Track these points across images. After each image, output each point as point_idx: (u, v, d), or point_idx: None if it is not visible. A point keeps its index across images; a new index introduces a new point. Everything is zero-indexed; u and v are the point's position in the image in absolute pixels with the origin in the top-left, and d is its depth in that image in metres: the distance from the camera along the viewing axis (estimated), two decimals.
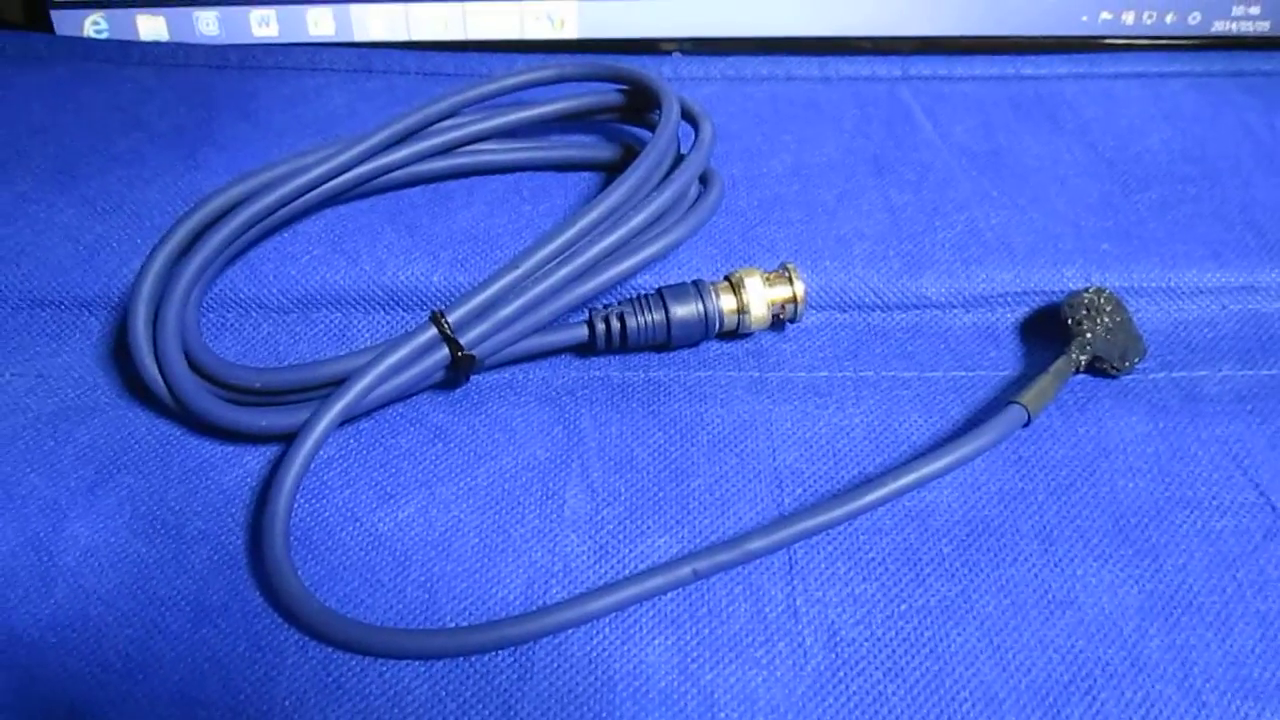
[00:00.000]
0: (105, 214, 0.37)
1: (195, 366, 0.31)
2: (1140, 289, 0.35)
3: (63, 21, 0.43)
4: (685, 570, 0.27)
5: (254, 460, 0.31)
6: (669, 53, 0.44)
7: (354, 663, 0.26)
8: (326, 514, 0.29)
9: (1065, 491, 0.30)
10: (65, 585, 0.28)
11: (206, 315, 0.34)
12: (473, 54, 0.43)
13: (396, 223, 0.36)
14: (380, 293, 0.35)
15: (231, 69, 0.43)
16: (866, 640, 0.27)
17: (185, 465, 0.30)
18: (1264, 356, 0.34)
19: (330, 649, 0.26)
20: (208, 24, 0.43)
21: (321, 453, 0.31)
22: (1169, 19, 0.44)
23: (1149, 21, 0.44)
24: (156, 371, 0.31)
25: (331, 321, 0.35)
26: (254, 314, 0.35)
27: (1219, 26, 0.44)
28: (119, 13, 0.43)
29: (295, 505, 0.29)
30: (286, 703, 0.26)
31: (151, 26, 0.43)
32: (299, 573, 0.27)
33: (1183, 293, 0.35)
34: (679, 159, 0.36)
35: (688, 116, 0.37)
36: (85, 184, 0.38)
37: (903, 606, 0.27)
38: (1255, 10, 0.44)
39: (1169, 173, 0.39)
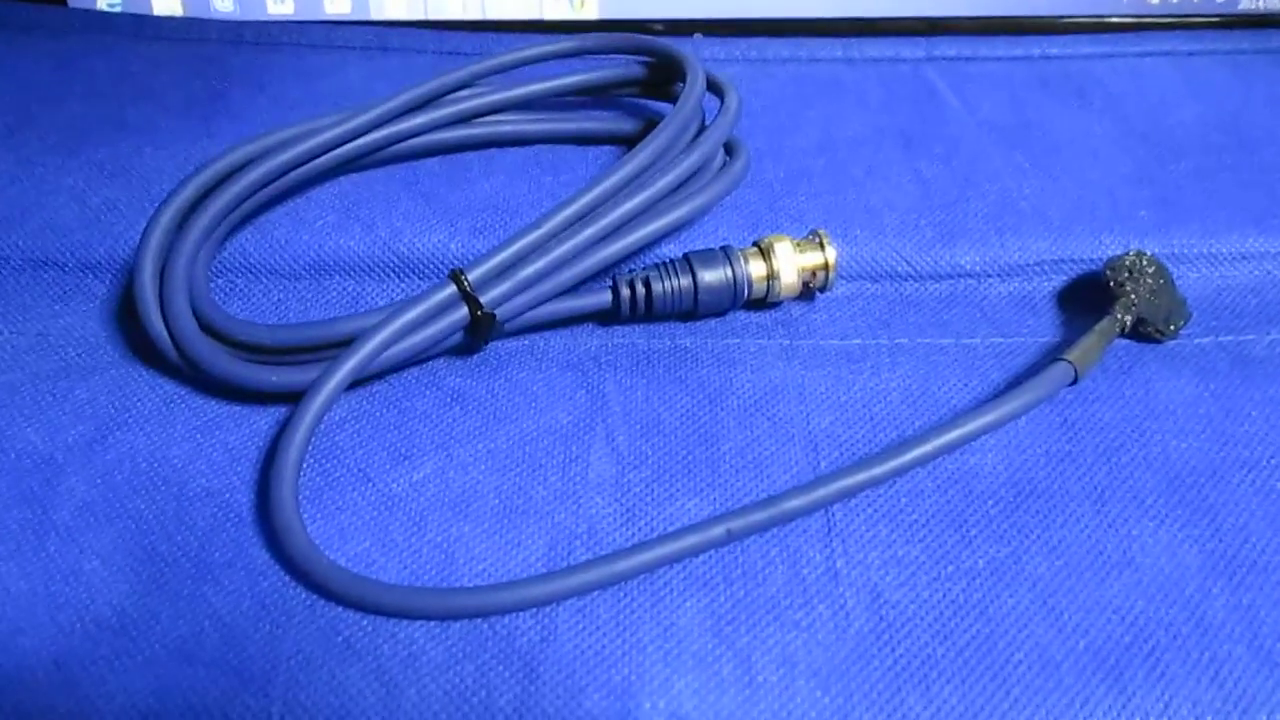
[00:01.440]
0: (113, 177, 0.36)
1: (203, 323, 0.30)
2: (1181, 255, 0.34)
3: None
4: (719, 530, 0.26)
5: (262, 420, 0.29)
6: (690, 35, 0.44)
7: (365, 623, 0.25)
8: (337, 474, 0.28)
9: (1115, 453, 0.28)
10: (58, 540, 0.26)
11: (215, 280, 0.33)
12: (491, 34, 0.43)
13: (413, 191, 0.35)
14: (395, 260, 0.34)
15: (247, 44, 0.42)
16: (912, 603, 0.25)
17: (190, 424, 0.29)
18: None
19: (340, 608, 0.25)
20: (223, 0, 0.42)
21: (333, 414, 0.29)
22: None
23: (1175, 0, 0.44)
24: (162, 326, 0.29)
25: (345, 289, 0.33)
26: (264, 280, 0.33)
27: (1246, 4, 0.44)
28: None
29: (305, 465, 0.28)
30: (292, 662, 0.24)
31: (166, 2, 0.43)
32: (309, 535, 0.26)
33: (1225, 259, 0.34)
34: (704, 128, 0.35)
35: (713, 87, 0.36)
36: (94, 149, 0.37)
37: (949, 568, 0.26)
38: None
39: (1204, 143, 0.38)
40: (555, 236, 0.31)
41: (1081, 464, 0.28)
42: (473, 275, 0.29)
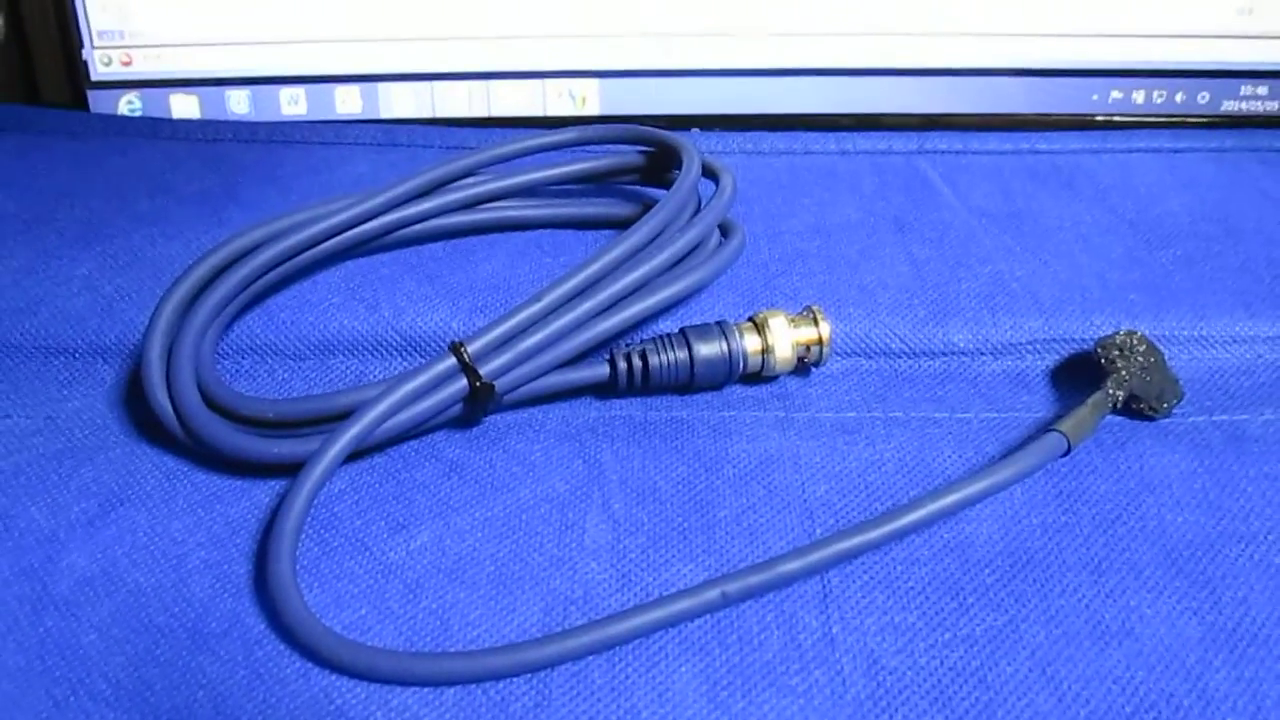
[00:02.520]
0: (125, 267, 0.37)
1: (207, 399, 0.30)
2: (1172, 337, 0.35)
3: (98, 101, 0.45)
4: (714, 593, 0.25)
5: (263, 493, 0.29)
6: (688, 129, 0.45)
7: (359, 690, 0.24)
8: (335, 543, 0.28)
9: (1111, 524, 0.28)
10: (56, 614, 0.26)
11: (222, 361, 0.34)
12: (495, 129, 0.44)
13: (417, 272, 0.36)
14: (398, 338, 0.34)
15: (260, 142, 0.44)
16: (909, 669, 0.25)
17: (191, 498, 0.29)
18: None
19: (334, 675, 0.25)
20: (239, 102, 0.44)
21: (332, 486, 0.30)
22: (1179, 98, 0.45)
23: (1159, 101, 0.45)
24: (167, 401, 0.30)
25: (348, 368, 0.34)
26: (269, 360, 0.34)
27: (1228, 106, 0.45)
28: (153, 92, 0.44)
29: (303, 535, 0.28)
30: None
31: (185, 105, 0.45)
32: (305, 600, 0.26)
33: (1216, 341, 0.35)
34: (700, 210, 0.36)
35: (708, 172, 0.37)
36: (108, 241, 0.38)
37: (946, 635, 0.26)
38: (1263, 90, 0.45)
39: (1191, 232, 0.39)
40: (554, 311, 0.31)
41: (1078, 535, 0.28)
42: (473, 347, 0.30)
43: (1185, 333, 0.35)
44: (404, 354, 0.34)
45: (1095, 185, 0.42)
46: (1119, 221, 0.40)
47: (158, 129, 0.45)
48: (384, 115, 0.45)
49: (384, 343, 0.34)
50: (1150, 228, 0.39)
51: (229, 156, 0.43)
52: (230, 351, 0.34)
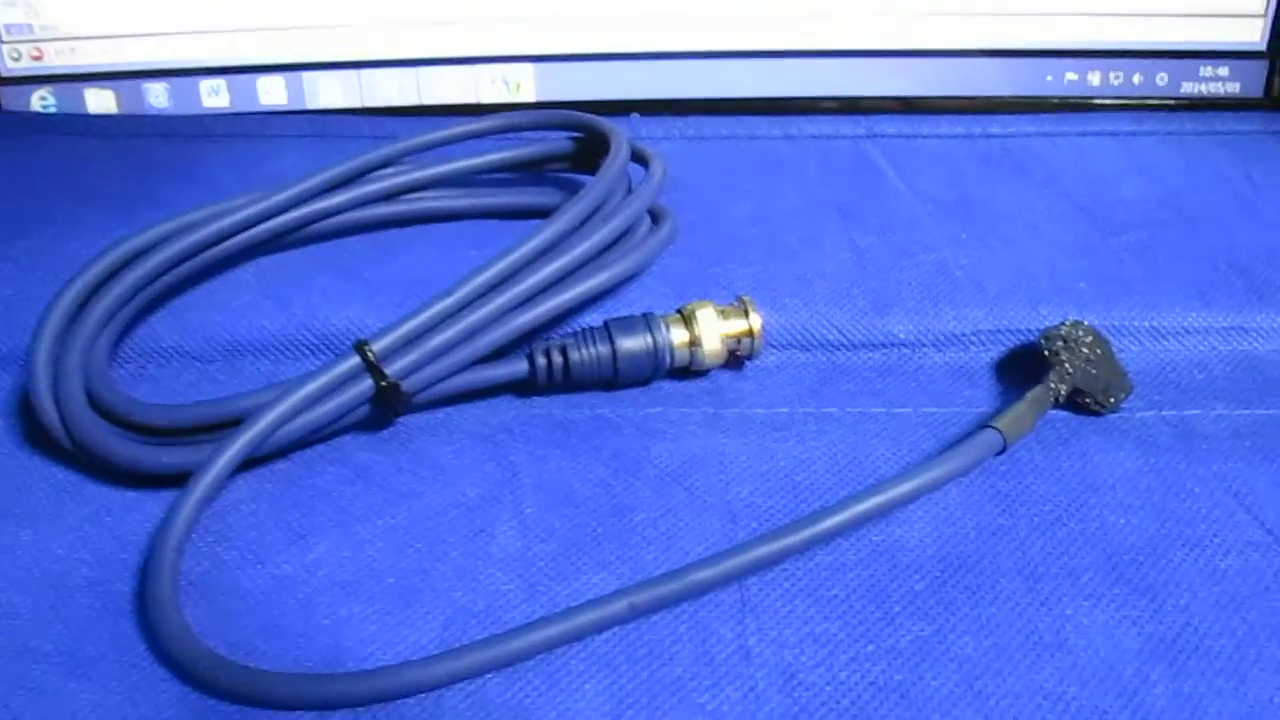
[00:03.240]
0: (29, 270, 0.35)
1: (100, 407, 0.28)
2: (1122, 328, 0.33)
3: (10, 97, 0.43)
4: (620, 605, 0.24)
5: (156, 506, 0.28)
6: (628, 114, 0.44)
7: (240, 715, 0.23)
8: (227, 557, 0.26)
9: (1050, 527, 0.27)
10: None
11: (126, 366, 0.32)
12: (428, 118, 0.42)
13: (332, 268, 0.35)
14: (312, 338, 0.33)
15: (179, 137, 0.42)
16: (828, 684, 0.23)
17: (79, 513, 0.28)
18: (1260, 397, 0.31)
19: (213, 700, 0.23)
20: (157, 96, 0.42)
21: (229, 495, 0.28)
22: (1136, 79, 0.44)
23: (1116, 83, 0.44)
24: (54, 408, 0.28)
25: (259, 369, 0.32)
26: (175, 363, 0.32)
27: (1188, 88, 0.44)
28: (67, 87, 0.43)
29: (193, 549, 0.26)
30: None
31: (101, 100, 0.43)
32: (189, 619, 0.24)
33: (1168, 333, 0.33)
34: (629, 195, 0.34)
35: (638, 156, 0.35)
36: (12, 243, 0.36)
37: (869, 648, 0.24)
38: (1224, 71, 0.43)
39: (1146, 218, 0.38)
40: (468, 305, 0.30)
41: (1014, 538, 0.27)
42: (378, 345, 0.28)
43: (1136, 323, 0.33)
44: (317, 354, 0.33)
45: (1048, 170, 0.40)
46: (1071, 208, 0.38)
47: (73, 125, 0.43)
48: (311, 106, 0.43)
49: (296, 342, 0.33)
50: (1103, 214, 0.38)
51: (147, 153, 0.41)
52: (135, 355, 0.32)
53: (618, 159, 0.34)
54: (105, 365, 0.30)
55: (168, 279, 0.32)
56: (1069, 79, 0.44)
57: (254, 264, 0.35)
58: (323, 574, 0.26)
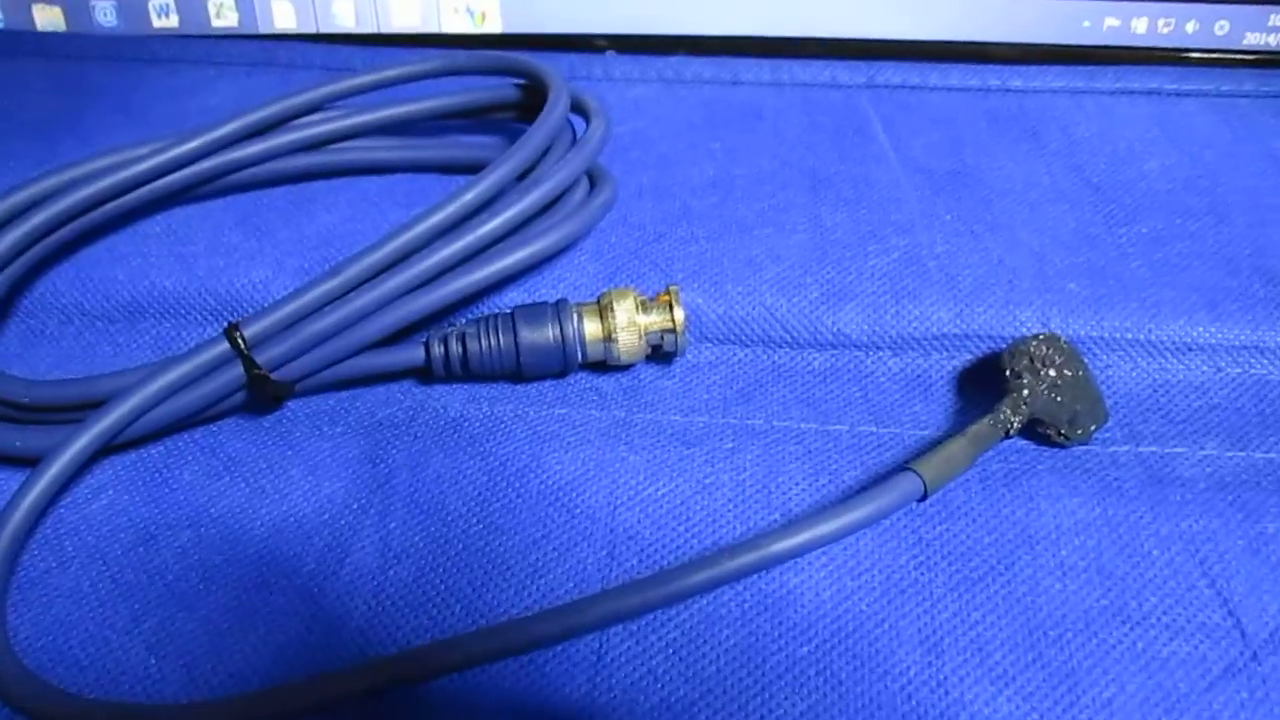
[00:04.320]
0: None
1: None
2: (1112, 340, 0.29)
3: None
4: (455, 656, 0.21)
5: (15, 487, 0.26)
6: (602, 51, 0.39)
7: None
8: (71, 553, 0.25)
9: (970, 588, 0.24)
10: None
11: (24, 321, 0.30)
12: (385, 48, 0.39)
13: (246, 224, 0.32)
14: (212, 301, 0.30)
15: (124, 60, 0.39)
16: None
17: None
18: (1260, 435, 0.27)
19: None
20: (105, 14, 0.40)
21: (92, 479, 0.26)
22: (1190, 28, 0.37)
23: (1165, 31, 0.38)
24: None
25: (160, 333, 0.30)
26: (76, 322, 0.30)
27: (1251, 39, 0.37)
28: (15, 1, 0.40)
29: (44, 540, 0.25)
30: None
31: (48, 16, 0.40)
32: (20, 620, 0.23)
33: (1166, 348, 0.29)
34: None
35: (579, 109, 0.31)
36: None
37: None
38: None
39: (1167, 204, 0.32)
40: (356, 286, 0.27)
41: (925, 598, 0.23)
42: (249, 331, 0.26)
43: (1129, 335, 0.29)
44: (218, 317, 0.30)
45: (1065, 136, 0.35)
46: (1082, 185, 0.33)
47: (19, 43, 0.40)
48: (264, 30, 0.40)
49: (197, 306, 0.30)
50: (1118, 196, 0.33)
51: (86, 78, 0.39)
52: (36, 309, 0.31)
53: (552, 113, 0.30)
54: None
55: (68, 230, 0.30)
56: (1109, 25, 0.38)
57: (166, 215, 0.33)
58: (163, 583, 0.24)
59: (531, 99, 0.33)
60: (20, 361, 0.29)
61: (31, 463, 0.25)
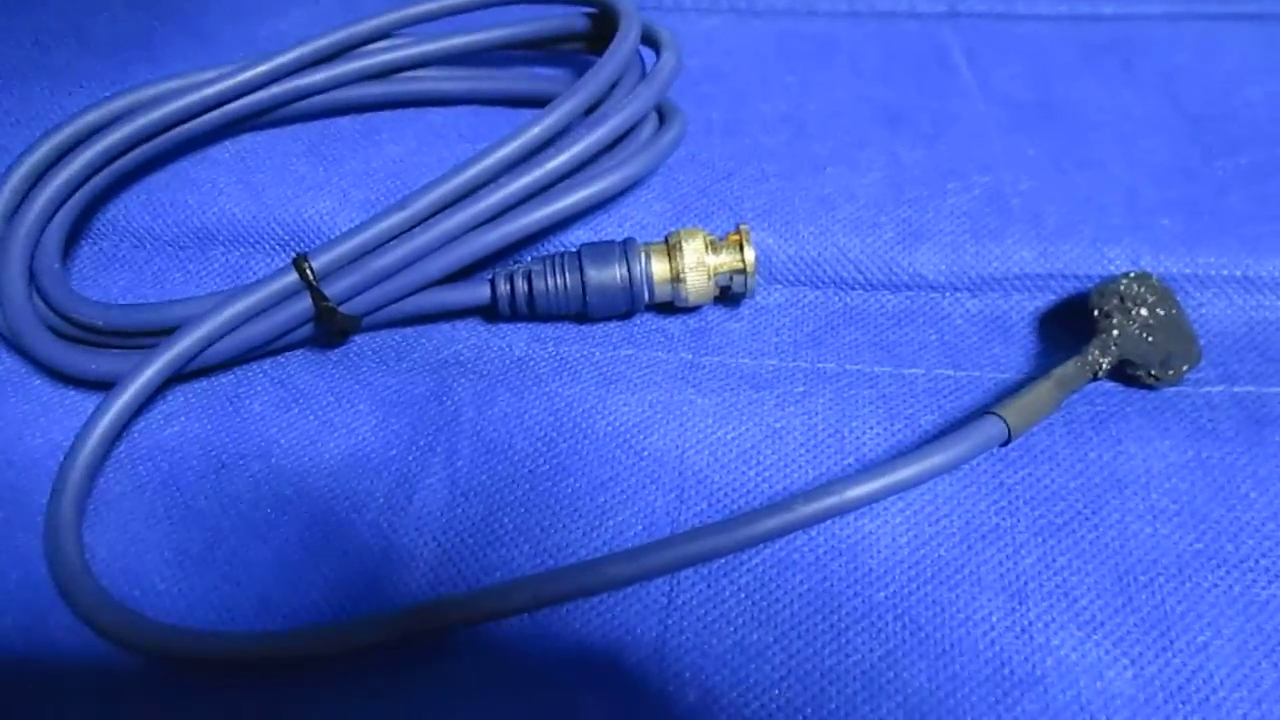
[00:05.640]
0: (16, 125, 0.33)
1: (45, 299, 0.27)
2: (1206, 278, 0.27)
3: None
4: (524, 595, 0.21)
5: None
6: None
7: (128, 659, 0.22)
8: (145, 478, 0.25)
9: (1055, 533, 0.23)
10: None
11: (97, 244, 0.30)
12: None
13: (313, 154, 0.32)
14: (280, 231, 0.30)
15: None
16: (744, 707, 0.20)
17: (17, 409, 0.27)
18: None
19: (98, 637, 0.22)
20: None
21: (165, 406, 0.26)
22: None
23: None
24: None
25: (229, 261, 0.30)
26: (147, 247, 0.31)
27: None
28: None
29: (117, 464, 0.25)
30: (41, 693, 0.21)
31: None
32: (95, 540, 0.23)
33: (1264, 285, 0.27)
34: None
35: (650, 40, 0.30)
36: (7, 94, 0.34)
37: (805, 666, 0.21)
38: None
39: (1269, 134, 0.31)
40: (423, 220, 0.26)
41: (1008, 544, 0.23)
42: (318, 263, 0.26)
43: (1225, 272, 0.27)
44: (286, 247, 0.30)
45: (1160, 66, 0.33)
46: (1178, 116, 0.32)
47: None
48: None
49: (265, 235, 0.30)
50: (1216, 127, 0.31)
51: (158, 1, 0.38)
52: (107, 232, 0.31)
53: (623, 45, 0.29)
54: (55, 253, 0.28)
55: (139, 153, 0.30)
56: None
57: (237, 141, 0.32)
58: (236, 511, 0.24)
59: (600, 29, 0.32)
60: (94, 285, 0.29)
61: (106, 387, 0.26)
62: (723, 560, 0.22)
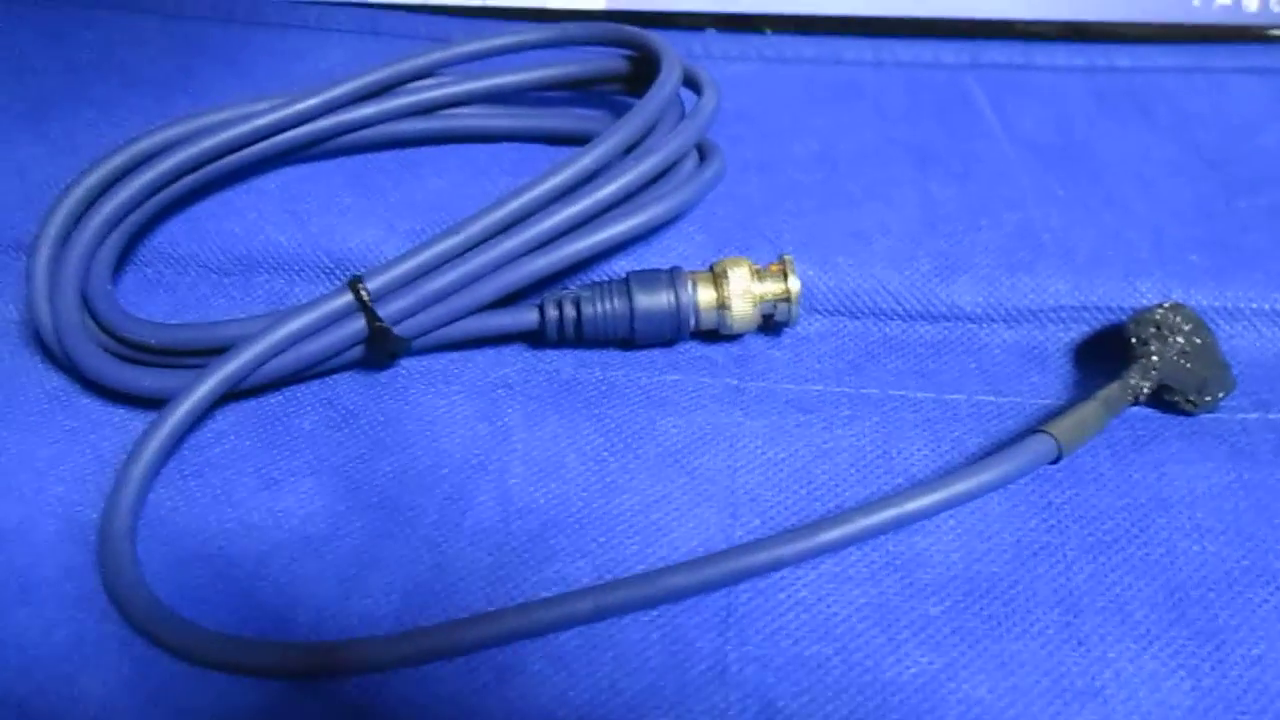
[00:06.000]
0: (61, 154, 0.34)
1: (96, 318, 0.27)
2: (1237, 310, 0.28)
3: None
4: (585, 605, 0.21)
5: (142, 428, 0.26)
6: (704, 29, 0.39)
7: (179, 671, 0.22)
8: (197, 494, 0.25)
9: (1104, 551, 0.23)
10: None
11: (141, 270, 0.31)
12: (490, 21, 0.39)
13: (357, 186, 0.32)
14: (325, 259, 0.31)
15: (236, 23, 0.40)
16: (811, 716, 0.21)
17: (66, 426, 0.27)
18: None
19: (157, 650, 0.22)
20: None
21: (214, 425, 0.27)
22: None
23: (1278, 8, 0.37)
24: (48, 316, 0.27)
25: (273, 288, 0.31)
26: (191, 273, 0.31)
27: None
28: None
29: (167, 479, 0.25)
30: (88, 706, 0.21)
31: None
32: (147, 555, 0.23)
33: None
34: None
35: (690, 82, 0.31)
36: (50, 124, 0.35)
37: (865, 678, 0.21)
38: None
39: None
40: (476, 245, 0.27)
41: (1059, 561, 0.23)
42: (373, 284, 0.26)
43: (1253, 305, 0.28)
44: (330, 276, 0.30)
45: (1177, 113, 0.35)
46: (1197, 160, 0.33)
47: (137, 1, 0.41)
48: (372, 0, 0.40)
49: (310, 263, 0.31)
50: (1236, 169, 0.32)
51: (197, 38, 0.39)
52: (151, 259, 0.31)
53: (665, 86, 0.30)
54: (107, 273, 0.28)
55: (186, 182, 0.31)
56: (1220, 4, 0.37)
57: (280, 173, 0.33)
58: (288, 527, 0.24)
59: (639, 71, 0.34)
60: (137, 309, 0.29)
61: (156, 404, 0.26)
62: (779, 575, 0.23)
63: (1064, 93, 0.36)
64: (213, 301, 0.30)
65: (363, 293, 0.26)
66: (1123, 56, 0.37)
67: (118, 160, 0.29)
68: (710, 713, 0.21)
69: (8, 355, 0.28)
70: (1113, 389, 0.25)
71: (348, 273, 0.30)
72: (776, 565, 0.22)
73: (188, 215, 0.32)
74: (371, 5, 0.41)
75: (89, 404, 0.27)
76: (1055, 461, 0.23)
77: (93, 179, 0.29)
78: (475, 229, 0.27)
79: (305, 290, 0.30)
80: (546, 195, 0.28)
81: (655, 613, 0.22)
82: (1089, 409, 0.24)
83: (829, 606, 0.22)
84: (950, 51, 0.38)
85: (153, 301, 0.30)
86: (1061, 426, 0.23)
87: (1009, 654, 0.21)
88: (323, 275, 0.31)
